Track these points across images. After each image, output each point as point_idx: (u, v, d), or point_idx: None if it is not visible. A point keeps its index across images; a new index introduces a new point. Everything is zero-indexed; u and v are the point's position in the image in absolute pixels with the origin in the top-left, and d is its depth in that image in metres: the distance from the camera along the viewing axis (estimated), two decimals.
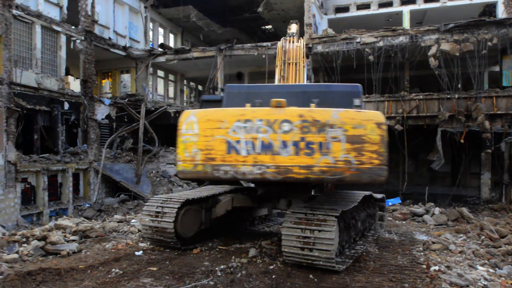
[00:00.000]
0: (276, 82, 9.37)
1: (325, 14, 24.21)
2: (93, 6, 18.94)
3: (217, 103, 6.59)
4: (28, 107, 15.25)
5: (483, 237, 8.42)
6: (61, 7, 17.28)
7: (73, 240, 8.26)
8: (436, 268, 5.88)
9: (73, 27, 17.80)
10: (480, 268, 6.14)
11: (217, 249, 7.36)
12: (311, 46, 18.54)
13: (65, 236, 8.46)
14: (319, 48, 18.36)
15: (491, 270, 6.07)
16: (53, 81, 16.71)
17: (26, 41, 15.59)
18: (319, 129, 5.48)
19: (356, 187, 8.13)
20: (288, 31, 12.27)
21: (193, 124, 5.82)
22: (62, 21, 17.22)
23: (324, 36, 18.61)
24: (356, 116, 5.53)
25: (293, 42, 10.66)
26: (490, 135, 15.36)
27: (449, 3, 22.14)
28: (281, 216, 10.43)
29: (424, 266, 6.10)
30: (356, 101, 6.62)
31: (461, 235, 8.74)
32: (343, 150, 5.40)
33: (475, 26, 15.80)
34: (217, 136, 5.76)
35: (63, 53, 17.25)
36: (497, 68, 19.20)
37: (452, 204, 14.23)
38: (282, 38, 11.05)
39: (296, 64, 9.73)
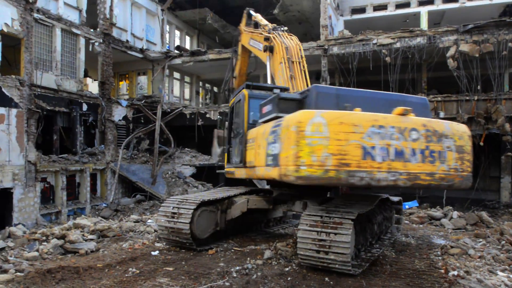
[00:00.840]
0: (281, 82, 9.26)
1: (341, 15, 24.07)
2: (111, 9, 19.22)
3: (296, 102, 6.36)
4: (48, 108, 15.51)
5: (503, 242, 8.19)
6: (80, 11, 17.56)
7: (91, 239, 8.41)
8: (455, 273, 5.76)
9: (91, 30, 18.06)
10: (500, 273, 5.98)
11: (232, 250, 7.38)
12: (326, 47, 18.45)
13: (83, 235, 8.60)
14: (335, 49, 18.24)
15: (511, 276, 5.92)
16: (72, 83, 17.00)
17: (46, 44, 15.87)
18: (438, 138, 5.85)
19: (372, 190, 8.07)
20: (266, 23, 11.81)
21: (321, 126, 5.34)
22: (81, 24, 17.50)
23: (340, 38, 18.49)
24: (460, 128, 6.15)
25: (291, 38, 10.29)
26: (511, 137, 15.03)
27: (468, 4, 21.75)
28: (296, 218, 10.35)
29: (442, 271, 5.98)
30: (441, 114, 8.04)
31: (481, 239, 8.52)
32: (454, 159, 5.93)
33: (495, 27, 15.46)
34: (352, 140, 5.43)
35: (82, 55, 17.52)
36: None
37: (471, 208, 13.94)
38: (274, 33, 10.42)
39: (299, 63, 9.58)
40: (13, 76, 13.85)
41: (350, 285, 5.32)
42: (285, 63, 9.32)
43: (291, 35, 10.55)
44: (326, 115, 5.40)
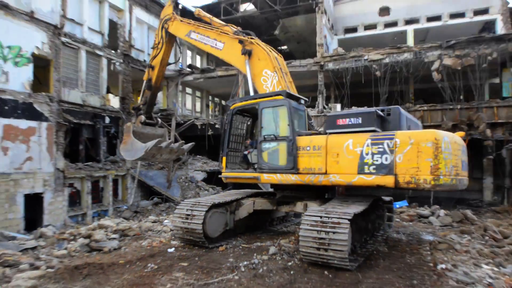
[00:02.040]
0: (265, 90, 8.55)
1: (335, 34, 24.17)
2: (130, 33, 19.46)
3: (383, 119, 6.70)
4: (75, 121, 15.66)
5: (487, 237, 8.14)
6: (102, 34, 17.77)
7: (114, 238, 8.43)
8: (443, 266, 5.73)
9: (113, 51, 18.27)
10: (485, 267, 5.93)
11: (241, 247, 7.35)
12: (322, 64, 18.51)
13: (107, 234, 8.62)
14: (330, 65, 18.30)
15: (495, 269, 5.85)
16: (96, 98, 17.16)
17: (73, 64, 16.05)
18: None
19: (364, 191, 7.98)
20: (221, 23, 10.42)
21: (448, 144, 5.79)
22: (104, 46, 17.70)
23: (334, 55, 18.55)
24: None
25: (270, 49, 9.15)
26: (492, 142, 14.94)
27: (450, 22, 21.81)
28: (298, 217, 10.30)
29: (431, 265, 5.94)
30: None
31: (466, 235, 8.46)
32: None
33: (476, 42, 15.47)
34: (458, 156, 6.22)
35: (104, 74, 17.70)
36: (497, 80, 18.68)
37: (456, 207, 13.82)
38: (254, 38, 9.21)
39: (286, 74, 8.92)
40: (44, 93, 14.05)
41: (347, 278, 5.29)
42: (278, 72, 8.58)
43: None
44: (449, 135, 6.01)
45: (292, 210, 7.94)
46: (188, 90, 25.33)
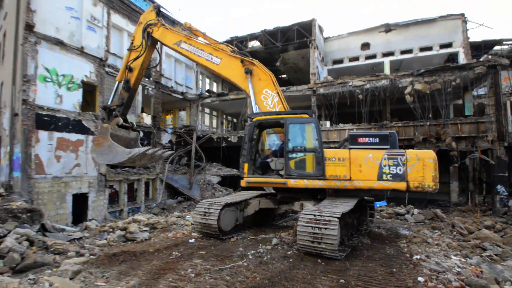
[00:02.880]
0: (266, 107, 8.13)
1: (325, 65, 24.30)
2: (160, 65, 19.72)
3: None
4: None
5: (454, 233, 7.95)
6: None
7: (145, 230, 8.36)
8: (418, 257, 5.58)
9: (146, 79, 18.50)
10: (453, 258, 5.76)
11: (248, 238, 7.26)
12: (315, 89, 18.55)
13: (139, 227, 8.57)
14: (321, 90, 18.33)
15: (463, 260, 5.68)
16: (133, 117, 17.28)
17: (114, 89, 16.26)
18: None
19: (350, 194, 7.78)
20: (217, 41, 9.14)
21: (436, 161, 6.35)
22: None
23: (325, 82, 18.60)
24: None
25: (265, 70, 8.36)
26: (457, 153, 14.74)
27: (420, 54, 21.84)
28: (295, 213, 10.19)
29: (408, 255, 5.79)
30: None
31: (437, 231, 8.27)
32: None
33: (442, 70, 15.41)
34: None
35: (139, 97, 17.88)
36: (460, 101, 18.56)
37: (428, 206, 13.57)
38: (253, 60, 8.45)
39: (278, 93, 8.25)
40: (90, 113, 14.21)
41: (337, 265, 5.16)
42: (280, 93, 8.14)
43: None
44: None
45: (291, 208, 7.85)
46: (206, 110, 25.52)
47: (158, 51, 11.44)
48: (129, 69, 10.38)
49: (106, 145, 9.12)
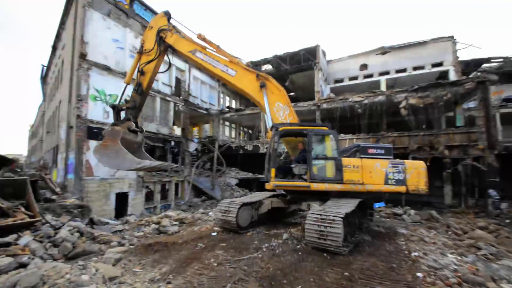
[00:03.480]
0: (278, 119, 7.68)
1: (328, 84, 24.12)
2: (189, 86, 20.17)
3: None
4: (151, 144, 16.14)
5: (450, 232, 7.53)
6: (171, 86, 18.49)
7: (175, 225, 8.42)
8: (416, 254, 5.32)
9: (177, 97, 18.90)
10: (450, 256, 5.46)
11: (263, 233, 7.15)
12: (319, 105, 18.40)
13: (170, 222, 8.63)
14: (325, 105, 18.14)
15: (459, 258, 5.37)
16: (165, 129, 17.68)
17: (151, 106, 16.71)
18: None
19: (350, 196, 7.55)
20: (231, 54, 8.05)
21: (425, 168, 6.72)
22: (171, 94, 18.36)
23: (328, 98, 18.42)
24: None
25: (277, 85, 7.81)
26: (449, 160, 14.14)
27: (414, 72, 21.33)
28: (302, 211, 9.95)
29: (407, 252, 5.54)
30: None
31: (433, 230, 7.84)
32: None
33: (434, 86, 14.93)
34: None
35: (171, 112, 18.20)
36: (451, 114, 17.92)
37: (423, 208, 13.00)
38: (266, 75, 7.83)
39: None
40: None
41: (342, 259, 5.00)
42: (290, 107, 7.72)
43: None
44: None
45: (299, 208, 7.72)
46: (226, 123, 25.75)
47: (168, 58, 9.53)
48: (141, 72, 8.99)
49: (114, 149, 7.35)
